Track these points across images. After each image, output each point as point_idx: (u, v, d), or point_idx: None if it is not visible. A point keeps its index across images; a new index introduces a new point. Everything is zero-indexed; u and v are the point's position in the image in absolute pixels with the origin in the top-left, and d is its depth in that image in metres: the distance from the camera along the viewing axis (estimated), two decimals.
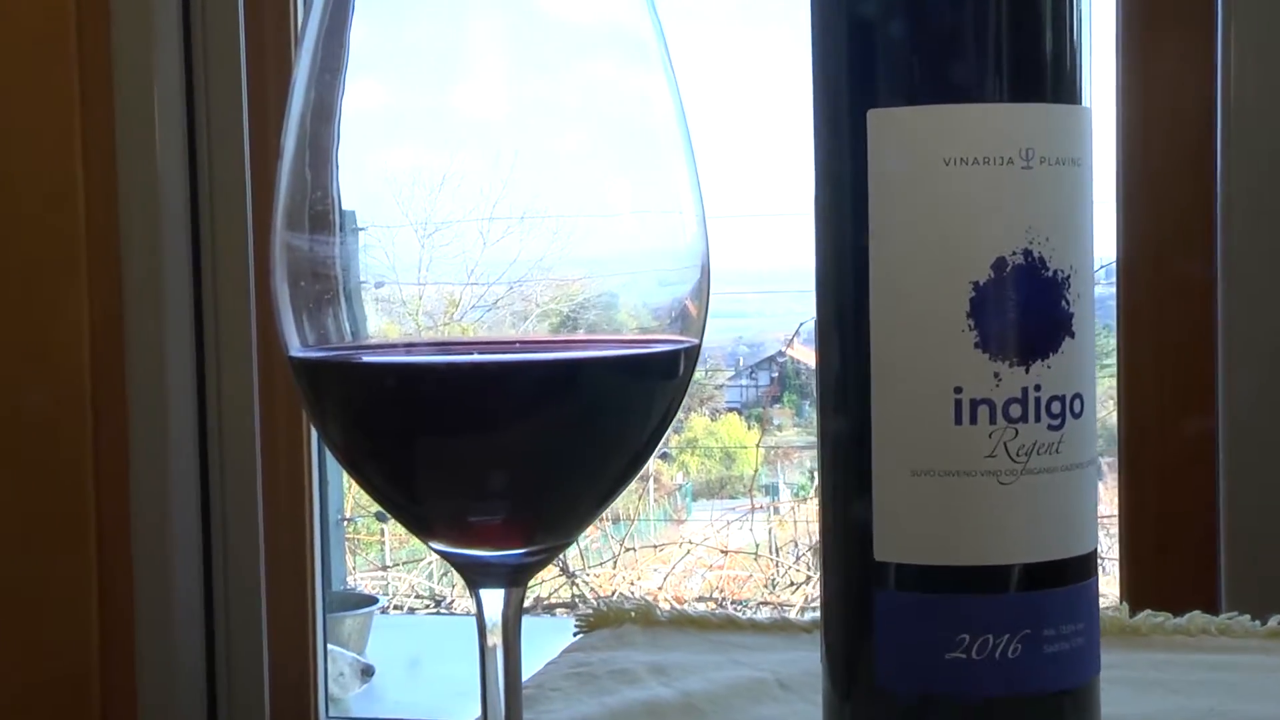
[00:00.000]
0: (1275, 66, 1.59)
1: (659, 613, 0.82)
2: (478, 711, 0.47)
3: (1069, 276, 0.52)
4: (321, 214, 0.47)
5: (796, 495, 4.50)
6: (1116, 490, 1.72)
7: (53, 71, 1.87)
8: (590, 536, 3.87)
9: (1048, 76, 0.53)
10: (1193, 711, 0.66)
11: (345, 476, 3.13)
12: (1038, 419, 0.52)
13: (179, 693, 1.93)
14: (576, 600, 3.75)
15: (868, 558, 0.53)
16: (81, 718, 1.92)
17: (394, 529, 4.06)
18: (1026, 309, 0.52)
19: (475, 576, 0.48)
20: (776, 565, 4.17)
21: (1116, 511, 1.73)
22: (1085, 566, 0.54)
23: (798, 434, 4.73)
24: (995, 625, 0.52)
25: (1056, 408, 0.52)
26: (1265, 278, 1.60)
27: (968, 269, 0.51)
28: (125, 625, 1.91)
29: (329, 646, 2.09)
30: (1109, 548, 2.20)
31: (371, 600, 3.14)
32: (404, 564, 4.08)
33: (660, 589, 3.94)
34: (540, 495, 0.47)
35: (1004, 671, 0.52)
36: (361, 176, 0.48)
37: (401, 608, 3.88)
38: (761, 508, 4.28)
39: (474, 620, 0.48)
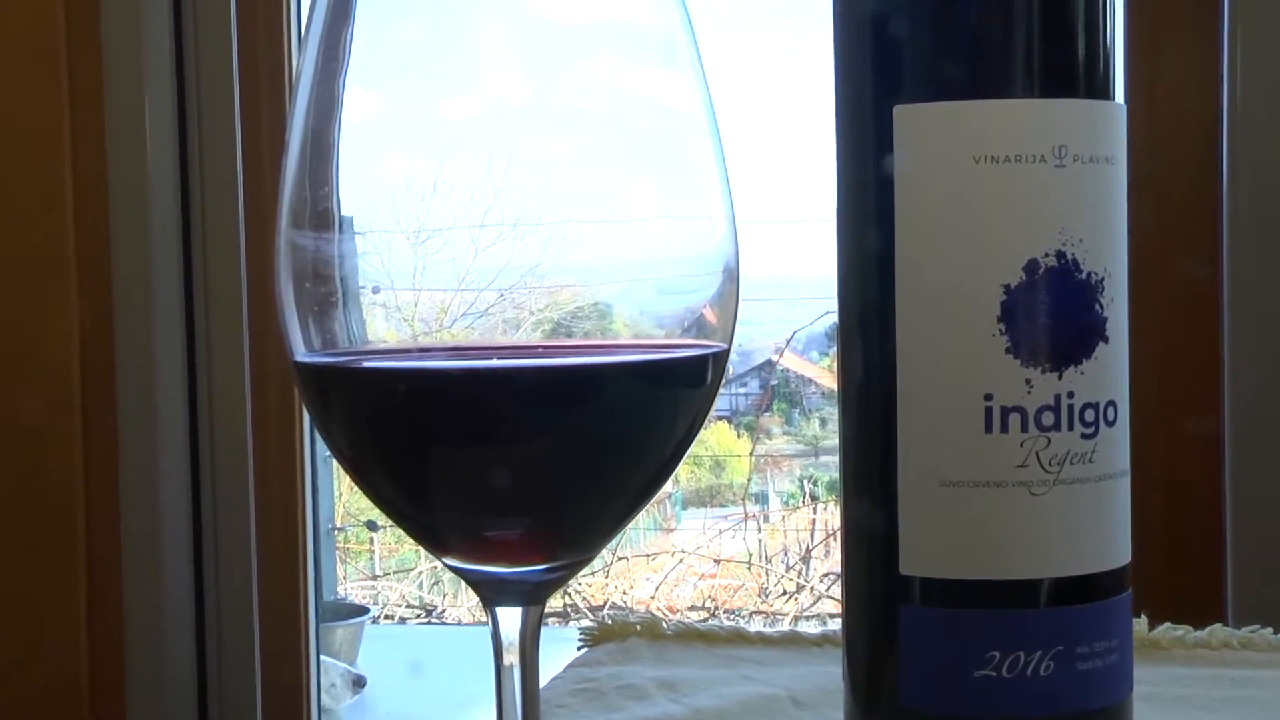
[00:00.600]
0: None
1: (665, 626, 0.80)
2: None
3: (1103, 279, 0.50)
4: (325, 212, 0.45)
5: (787, 504, 4.50)
6: None
7: (42, 71, 1.84)
8: None
9: (1081, 71, 0.51)
10: None
11: (336, 484, 3.12)
12: (1071, 427, 0.50)
13: (170, 704, 1.91)
14: (569, 609, 3.73)
15: (892, 571, 0.51)
16: None
17: (384, 538, 4.04)
18: (1059, 313, 0.50)
19: (491, 594, 0.45)
20: (767, 574, 4.16)
21: None
22: (1119, 580, 0.52)
23: (787, 442, 4.73)
24: (1026, 642, 0.50)
25: (1090, 415, 0.50)
26: (1270, 279, 1.59)
27: (998, 271, 0.49)
28: (115, 636, 1.89)
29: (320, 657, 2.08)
30: None
31: (363, 610, 3.12)
32: (394, 573, 4.07)
33: (652, 598, 3.93)
34: (563, 508, 0.45)
35: (1035, 691, 0.50)
36: (355, 181, 0.46)
37: (392, 617, 3.86)
38: (752, 516, 4.27)
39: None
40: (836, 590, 3.99)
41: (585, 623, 0.82)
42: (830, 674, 0.72)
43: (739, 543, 4.22)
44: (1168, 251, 1.64)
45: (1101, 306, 0.50)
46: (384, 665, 2.95)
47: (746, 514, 4.25)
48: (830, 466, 4.52)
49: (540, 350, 0.45)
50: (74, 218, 1.85)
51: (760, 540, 4.27)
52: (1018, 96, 0.50)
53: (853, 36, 0.53)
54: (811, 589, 4.03)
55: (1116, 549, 0.51)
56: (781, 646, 0.78)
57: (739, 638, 0.79)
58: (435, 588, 3.89)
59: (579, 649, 0.79)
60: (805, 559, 4.15)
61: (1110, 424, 0.51)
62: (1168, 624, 0.77)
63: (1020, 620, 0.50)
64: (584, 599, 3.86)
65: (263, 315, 1.89)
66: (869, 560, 0.53)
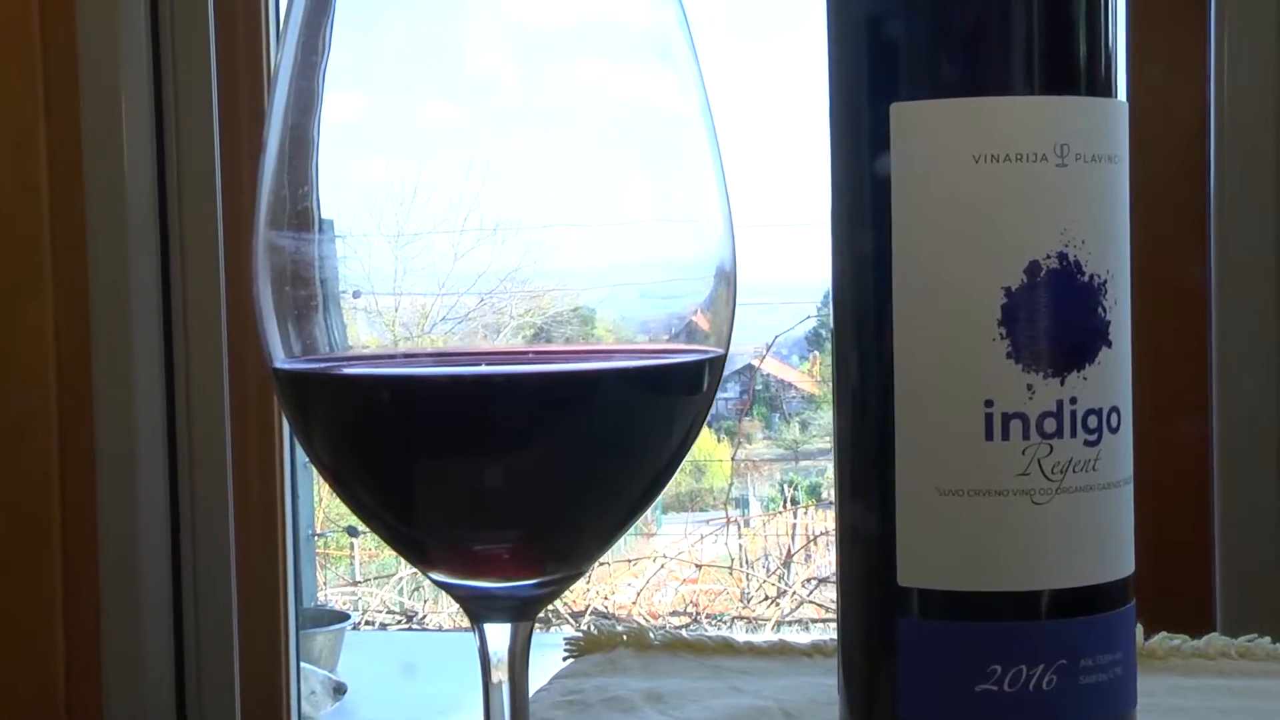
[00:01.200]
0: (1268, 69, 1.57)
1: (652, 636, 0.78)
2: None
3: (1106, 281, 0.49)
4: (304, 212, 0.43)
5: (767, 509, 4.49)
6: None
7: (16, 69, 1.82)
8: None
9: (1083, 67, 0.50)
10: None
11: (316, 490, 3.09)
12: (1073, 434, 0.49)
13: (148, 712, 1.89)
14: (550, 615, 3.72)
15: (890, 582, 0.50)
16: None
17: (364, 544, 4.02)
18: (1061, 316, 0.48)
19: (479, 610, 0.43)
20: (748, 579, 4.15)
21: None
22: (1123, 591, 0.50)
23: (768, 447, 4.72)
24: (1028, 655, 0.49)
25: (1093, 422, 0.49)
26: (1259, 283, 1.58)
27: (998, 274, 0.48)
28: (92, 643, 1.87)
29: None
30: None
31: (343, 616, 3.10)
32: (375, 579, 4.04)
33: (634, 603, 3.92)
34: (554, 520, 0.43)
35: (1038, 705, 0.49)
36: (335, 184, 0.45)
37: (373, 624, 3.84)
38: (733, 521, 4.26)
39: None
40: (818, 595, 3.97)
41: (568, 630, 0.80)
42: (821, 685, 0.70)
43: (720, 547, 4.21)
44: (1156, 254, 1.63)
45: (1104, 309, 0.49)
46: (365, 672, 2.93)
47: (727, 518, 4.24)
48: (810, 471, 4.52)
49: (531, 356, 0.44)
50: (50, 218, 1.83)
51: (741, 545, 4.26)
52: (1019, 94, 0.49)
53: (848, 31, 0.51)
54: (793, 594, 4.02)
55: (1120, 559, 0.50)
56: (771, 656, 0.77)
57: (727, 647, 0.78)
58: (416, 593, 3.88)
59: (564, 659, 0.77)
60: (786, 563, 4.14)
61: (1114, 431, 0.49)
62: (1163, 633, 0.75)
63: (1022, 633, 0.49)
64: (565, 604, 3.85)
65: (241, 319, 1.87)
66: (866, 571, 0.51)
